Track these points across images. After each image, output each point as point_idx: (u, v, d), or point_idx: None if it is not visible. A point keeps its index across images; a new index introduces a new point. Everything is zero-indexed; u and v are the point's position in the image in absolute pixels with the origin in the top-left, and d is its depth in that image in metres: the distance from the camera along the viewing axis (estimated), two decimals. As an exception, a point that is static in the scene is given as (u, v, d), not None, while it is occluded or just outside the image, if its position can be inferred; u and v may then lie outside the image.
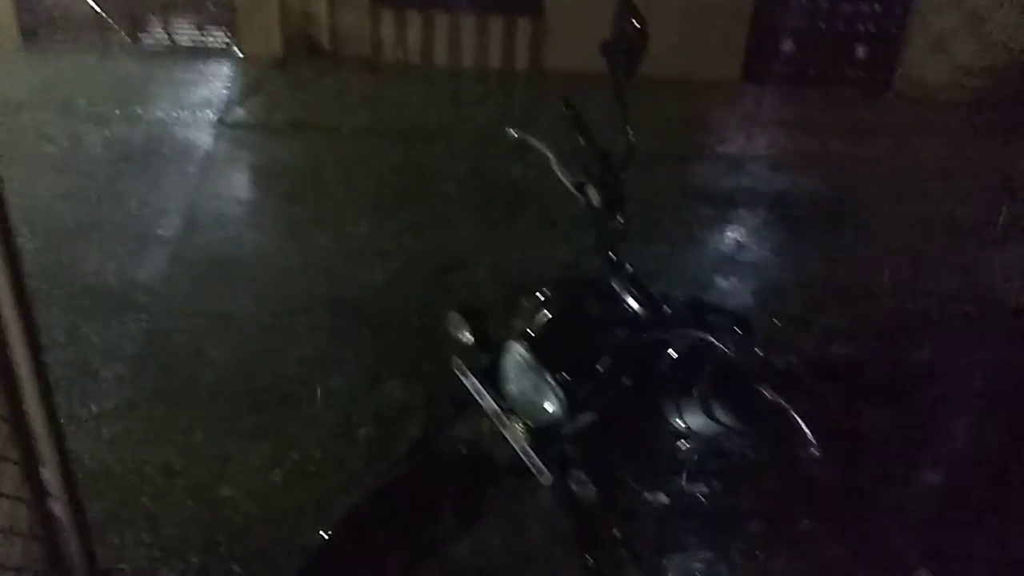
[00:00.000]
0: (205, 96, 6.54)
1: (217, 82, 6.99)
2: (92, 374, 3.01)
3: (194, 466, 2.59)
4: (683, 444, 1.60)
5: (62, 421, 1.80)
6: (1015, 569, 2.03)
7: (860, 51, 7.44)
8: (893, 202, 4.92)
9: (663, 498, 1.69)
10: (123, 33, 8.11)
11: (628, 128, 1.51)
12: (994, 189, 5.05)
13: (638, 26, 1.45)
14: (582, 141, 1.57)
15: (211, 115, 6.03)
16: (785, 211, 4.80)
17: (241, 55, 7.77)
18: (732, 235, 4.45)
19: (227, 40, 8.03)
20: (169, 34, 8.24)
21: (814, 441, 1.28)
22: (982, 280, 3.82)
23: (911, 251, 4.25)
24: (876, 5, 7.28)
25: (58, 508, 1.86)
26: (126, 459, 2.60)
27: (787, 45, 7.51)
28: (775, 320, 1.38)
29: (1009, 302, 2.74)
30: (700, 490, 1.70)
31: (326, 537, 1.56)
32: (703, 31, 7.20)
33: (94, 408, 2.84)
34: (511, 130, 1.68)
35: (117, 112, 5.96)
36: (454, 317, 1.62)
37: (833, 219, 4.72)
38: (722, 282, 3.89)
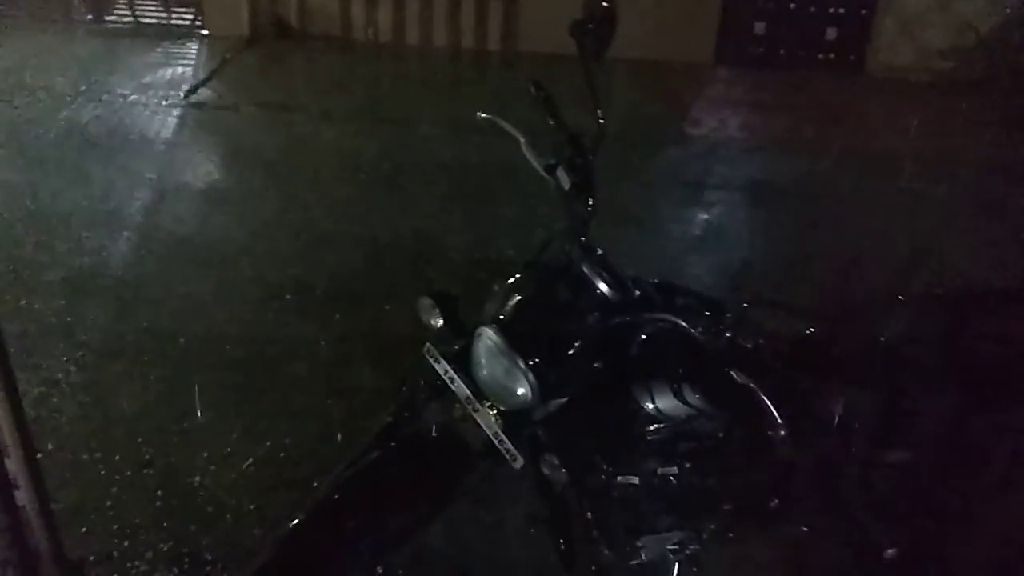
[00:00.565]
0: (170, 76, 6.40)
1: (182, 62, 6.85)
2: (56, 361, 2.96)
3: (164, 455, 2.55)
4: (654, 426, 1.61)
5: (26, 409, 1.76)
6: (985, 546, 2.08)
7: (831, 33, 7.47)
8: (865, 182, 4.97)
9: (635, 480, 1.70)
10: (87, 12, 7.91)
11: (598, 110, 1.51)
12: (963, 168, 5.12)
13: (607, 7, 1.43)
14: (552, 124, 1.56)
15: (176, 95, 5.91)
16: (758, 192, 4.83)
17: (207, 34, 7.62)
18: (704, 216, 4.47)
19: (193, 19, 7.86)
20: (134, 13, 8.05)
21: (781, 421, 1.30)
22: (952, 259, 3.90)
23: (882, 231, 4.30)
24: (846, -13, 7.32)
25: (23, 498, 1.83)
26: (93, 447, 2.56)
27: (759, 27, 7.52)
28: (744, 303, 1.38)
29: (978, 281, 2.78)
30: (671, 472, 1.71)
31: (296, 524, 1.55)
32: (676, 13, 7.18)
33: (57, 398, 2.79)
34: (481, 113, 1.66)
35: (79, 92, 5.81)
36: (425, 302, 1.61)
37: (805, 200, 4.76)
38: (694, 263, 3.93)
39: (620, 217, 4.17)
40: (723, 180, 4.97)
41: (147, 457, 2.55)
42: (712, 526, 1.86)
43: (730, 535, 1.89)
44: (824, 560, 2.12)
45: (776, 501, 1.84)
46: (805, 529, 2.01)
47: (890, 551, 1.83)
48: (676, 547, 1.84)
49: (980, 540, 1.97)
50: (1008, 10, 7.00)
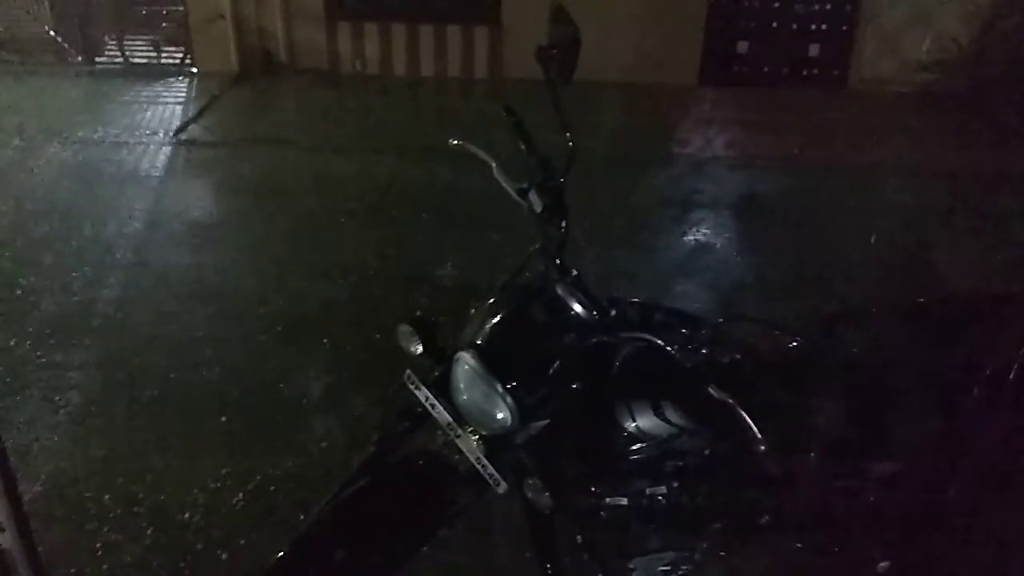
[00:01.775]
0: (160, 114, 6.46)
1: (172, 100, 6.91)
2: (48, 400, 2.95)
3: (153, 492, 2.54)
4: (638, 446, 1.60)
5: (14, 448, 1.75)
6: (975, 558, 2.06)
7: (813, 49, 7.55)
8: (849, 197, 5.00)
9: (624, 501, 1.69)
10: (77, 54, 7.99)
11: (567, 133, 1.52)
12: (947, 181, 5.16)
13: (571, 32, 1.45)
14: (524, 148, 1.58)
15: (166, 133, 5.95)
16: (745, 209, 4.86)
17: (197, 72, 7.69)
18: (690, 235, 4.49)
19: (183, 58, 7.94)
20: (124, 53, 8.13)
21: (760, 436, 1.29)
22: (937, 272, 3.91)
23: (866, 245, 4.32)
24: (827, 3, 7.41)
25: (7, 541, 1.81)
26: (80, 487, 2.55)
27: (742, 47, 7.60)
28: (719, 319, 1.39)
29: (962, 293, 2.79)
30: (660, 491, 1.70)
31: (281, 556, 1.54)
32: (659, 37, 7.26)
33: (49, 435, 2.78)
34: (453, 140, 1.68)
35: (71, 133, 5.85)
36: (404, 329, 1.61)
37: (790, 216, 4.78)
38: (678, 281, 3.94)
39: (611, 236, 4.19)
40: (711, 198, 5.00)
41: (138, 495, 2.54)
42: (704, 545, 1.84)
43: (722, 553, 1.87)
44: (817, 574, 2.10)
45: (767, 517, 1.83)
46: (798, 545, 2.00)
47: (883, 564, 1.82)
48: (668, 568, 1.82)
49: (972, 551, 1.95)
50: (987, 22, 7.09)
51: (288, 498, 2.50)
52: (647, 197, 5.01)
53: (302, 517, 2.15)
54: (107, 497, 2.51)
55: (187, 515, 2.43)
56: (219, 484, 2.56)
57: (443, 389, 1.55)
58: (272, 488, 2.53)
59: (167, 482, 2.58)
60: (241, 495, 2.51)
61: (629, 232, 4.44)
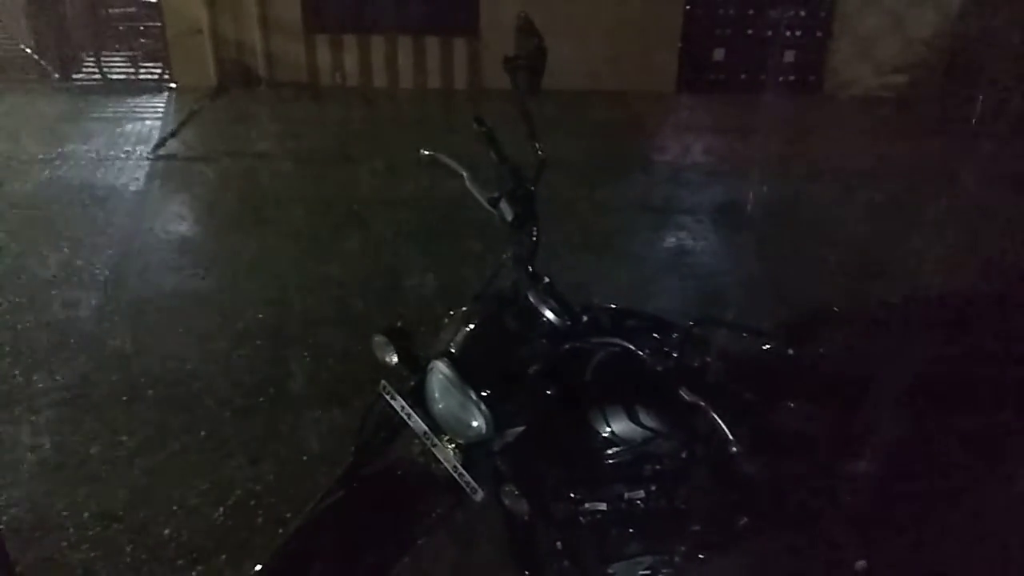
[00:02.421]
0: (139, 130, 6.44)
1: (151, 115, 6.90)
2: (26, 418, 2.92)
3: (133, 509, 2.52)
4: (613, 451, 1.61)
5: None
6: (952, 557, 2.09)
7: (789, 56, 7.65)
8: (824, 200, 5.06)
9: (602, 506, 1.70)
10: (54, 71, 7.96)
11: (536, 143, 1.53)
12: (920, 182, 5.23)
13: (537, 42, 1.47)
14: (494, 157, 1.59)
15: (145, 148, 5.93)
16: (721, 213, 4.90)
17: (175, 87, 7.68)
18: (667, 240, 4.52)
19: (161, 73, 7.93)
20: (101, 70, 8.11)
21: (732, 437, 1.30)
22: (911, 273, 3.97)
23: (840, 247, 4.38)
24: (800, 10, 7.50)
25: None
26: (59, 505, 2.52)
27: (718, 54, 7.69)
28: (690, 323, 1.41)
29: (930, 291, 2.82)
30: (638, 496, 1.71)
31: (259, 570, 1.53)
32: (637, 45, 7.34)
33: (28, 455, 2.75)
34: (424, 150, 1.69)
35: (47, 150, 5.82)
36: (379, 340, 1.62)
37: (766, 220, 4.83)
38: (653, 286, 3.97)
39: (590, 242, 4.22)
40: (688, 203, 5.04)
41: (118, 512, 2.52)
42: (683, 548, 1.85)
43: (701, 556, 1.88)
44: (797, 574, 2.11)
45: (744, 519, 1.85)
46: (778, 546, 2.01)
47: (860, 563, 1.84)
48: (648, 571, 1.83)
49: (949, 548, 1.97)
50: (958, 27, 7.20)
51: (267, 511, 2.49)
52: (626, 201, 5.05)
53: (281, 530, 2.14)
54: (86, 515, 2.49)
55: (167, 531, 2.42)
56: (199, 499, 2.54)
57: (419, 398, 1.56)
58: (252, 502, 2.52)
59: (147, 498, 2.56)
60: (221, 510, 2.50)
61: (607, 235, 4.47)
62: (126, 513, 2.49)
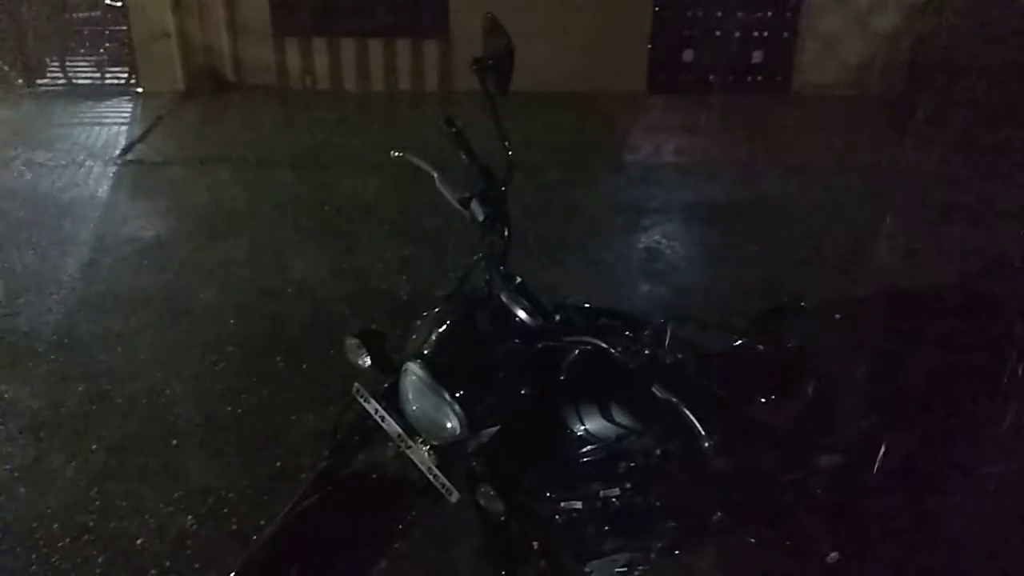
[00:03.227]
0: (105, 135, 6.35)
1: (118, 120, 6.81)
2: (-10, 432, 2.88)
3: (104, 520, 2.48)
4: (588, 449, 1.62)
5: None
6: (922, 547, 2.12)
7: (756, 56, 7.74)
8: (793, 198, 5.12)
9: (578, 505, 1.70)
10: (17, 76, 7.82)
11: (506, 143, 1.54)
12: (885, 180, 5.32)
13: (505, 44, 1.47)
14: (465, 158, 1.59)
15: (111, 154, 5.85)
16: (692, 211, 4.95)
17: (142, 92, 7.58)
18: (640, 239, 4.56)
19: (127, 78, 7.82)
20: (67, 75, 7.98)
21: (705, 433, 1.32)
22: (877, 269, 4.04)
23: (811, 244, 4.44)
24: (768, 11, 7.59)
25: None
26: (28, 517, 2.48)
27: (687, 55, 7.75)
28: (662, 320, 1.42)
29: (897, 287, 2.87)
30: (613, 493, 1.72)
31: (233, 577, 1.52)
32: (607, 46, 7.38)
33: (-6, 467, 2.71)
34: (394, 151, 1.69)
35: (12, 156, 5.72)
36: (351, 343, 1.61)
37: (735, 217, 4.88)
38: (627, 285, 4.00)
39: (564, 243, 4.24)
40: (660, 201, 5.08)
41: (89, 524, 2.48)
42: (659, 544, 1.86)
43: (677, 552, 1.90)
44: (770, 569, 2.14)
45: (719, 514, 1.86)
46: (750, 540, 2.04)
47: (832, 555, 1.87)
48: (624, 569, 1.84)
49: (917, 538, 2.01)
50: (923, 27, 7.34)
51: (241, 518, 2.46)
52: (597, 200, 5.08)
53: (255, 536, 2.12)
54: (56, 526, 2.45)
55: (139, 541, 2.39)
56: (171, 508, 2.51)
57: (392, 401, 1.55)
58: (225, 510, 2.50)
59: (117, 508, 2.52)
60: (193, 518, 2.47)
61: (582, 234, 4.49)
62: (96, 524, 2.46)
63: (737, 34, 7.66)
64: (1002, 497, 2.36)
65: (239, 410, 2.99)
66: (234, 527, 2.44)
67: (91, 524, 2.48)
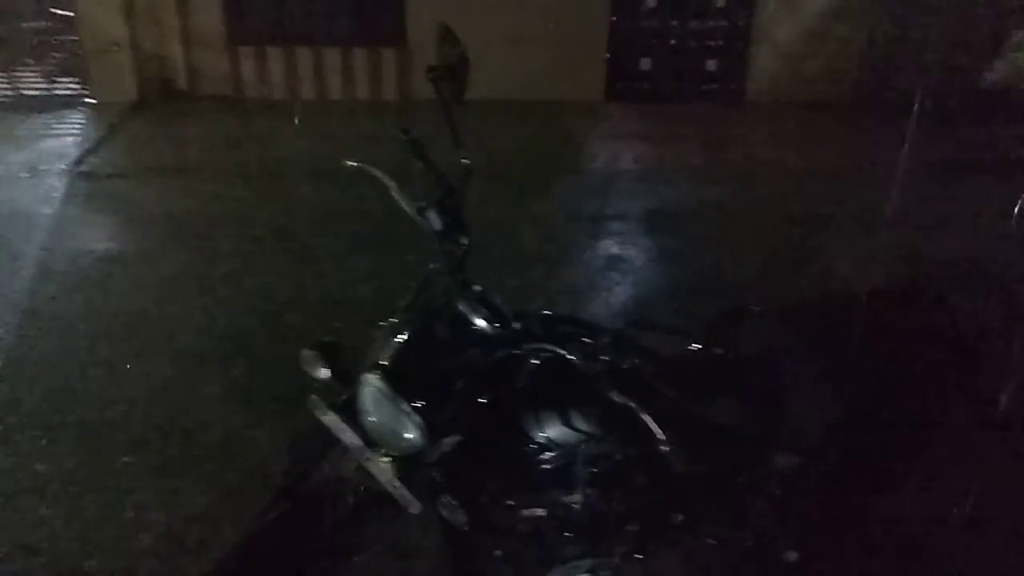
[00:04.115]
0: (56, 147, 6.21)
1: (69, 132, 6.66)
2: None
3: (54, 539, 2.41)
4: (549, 456, 1.62)
5: None
6: (878, 545, 2.17)
7: (711, 65, 7.86)
8: (749, 203, 5.21)
9: (541, 512, 1.70)
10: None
11: (461, 151, 1.54)
12: (839, 183, 5.44)
13: (460, 52, 1.47)
14: (421, 167, 1.59)
15: (62, 166, 5.72)
16: (650, 217, 5.00)
17: (94, 102, 7.43)
18: (596, 246, 4.59)
19: (79, 88, 7.66)
20: (15, 86, 7.79)
21: (662, 437, 1.33)
22: (833, 272, 4.12)
23: (767, 249, 4.51)
24: (722, 20, 7.72)
25: None
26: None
27: (645, 64, 7.85)
28: (619, 326, 1.43)
29: (856, 292, 2.93)
30: (574, 499, 1.72)
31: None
32: (566, 55, 7.42)
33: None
34: (348, 161, 1.68)
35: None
36: (307, 354, 1.59)
37: (694, 224, 4.95)
38: (585, 292, 4.03)
39: (523, 251, 4.25)
40: (616, 208, 5.13)
41: (38, 545, 2.41)
42: (621, 549, 1.87)
43: (639, 556, 1.91)
44: (732, 569, 2.16)
45: (679, 516, 1.88)
46: (712, 541, 2.05)
47: (791, 554, 1.89)
48: (588, 574, 1.84)
49: (874, 536, 2.05)
50: (873, 35, 7.53)
51: (199, 535, 2.41)
52: (555, 208, 5.12)
53: (213, 555, 2.08)
54: (1, 549, 2.37)
55: (90, 562, 2.32)
56: (124, 527, 2.45)
57: (351, 413, 1.54)
58: (181, 527, 2.44)
59: (68, 529, 2.45)
60: (148, 536, 2.41)
61: (539, 241, 4.51)
62: (48, 546, 2.39)
63: (692, 43, 7.78)
64: (956, 495, 2.43)
65: (194, 425, 2.93)
66: (190, 544, 2.38)
67: (40, 545, 2.40)
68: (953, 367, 1.96)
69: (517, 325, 1.52)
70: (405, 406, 1.43)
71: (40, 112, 7.18)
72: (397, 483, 1.50)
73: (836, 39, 7.57)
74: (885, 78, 7.36)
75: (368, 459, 1.51)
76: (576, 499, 1.70)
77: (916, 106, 5.82)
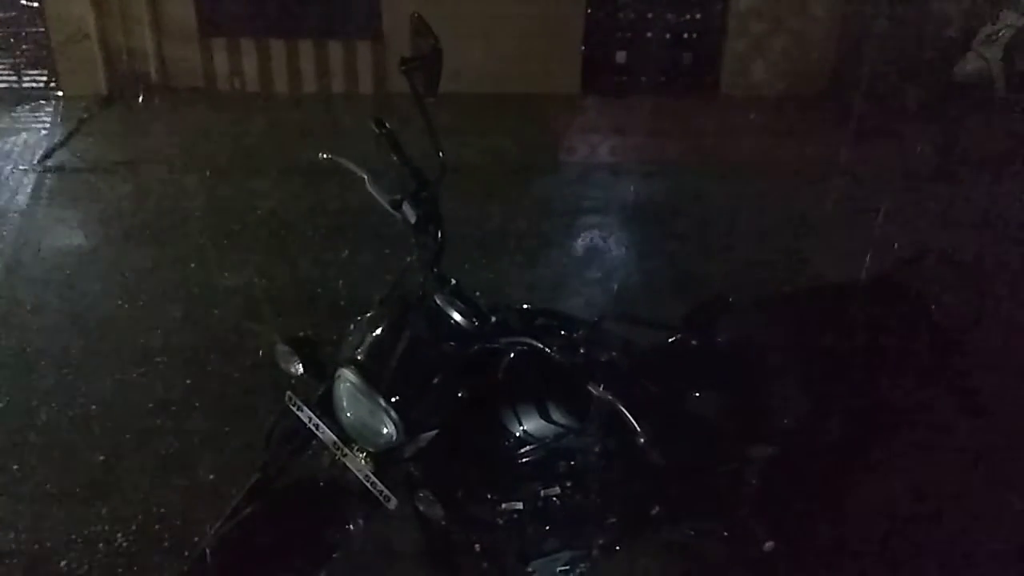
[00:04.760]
0: (23, 141, 6.09)
1: (37, 125, 6.53)
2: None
3: (28, 540, 2.37)
4: (527, 449, 1.62)
5: None
6: (856, 536, 2.19)
7: (686, 58, 7.88)
8: (725, 196, 5.23)
9: (519, 506, 1.70)
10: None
11: (437, 144, 1.53)
12: (809, 178, 5.48)
13: (433, 44, 1.46)
14: (396, 160, 1.57)
15: (30, 160, 5.61)
16: (625, 213, 5.01)
17: (63, 95, 7.29)
18: (577, 239, 4.59)
19: (47, 81, 7.51)
20: (-20, 79, 7.63)
21: (639, 428, 1.33)
22: (809, 264, 4.16)
23: (743, 241, 4.54)
24: (697, 14, 7.74)
25: None
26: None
27: (620, 57, 7.85)
28: (596, 319, 1.43)
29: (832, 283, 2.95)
30: (552, 492, 1.72)
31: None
32: (542, 48, 7.40)
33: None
34: (323, 153, 1.66)
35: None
36: (282, 349, 1.58)
37: (671, 217, 4.96)
38: (562, 285, 4.03)
39: (500, 244, 4.23)
40: (592, 201, 5.14)
41: (11, 546, 2.36)
42: (600, 541, 1.88)
43: (618, 547, 1.91)
44: (710, 559, 2.17)
45: (657, 508, 1.88)
46: (690, 532, 2.07)
47: (768, 543, 1.91)
48: (567, 567, 1.84)
49: (850, 525, 2.07)
50: (846, 29, 7.59)
51: (173, 534, 2.38)
52: (532, 201, 5.11)
53: (187, 552, 2.06)
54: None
55: (65, 562, 2.29)
56: (98, 527, 2.41)
57: (327, 408, 1.53)
58: (156, 526, 2.41)
59: (42, 529, 2.41)
60: (122, 536, 2.38)
61: (514, 235, 4.51)
62: (21, 547, 2.35)
63: (668, 36, 7.78)
64: (931, 483, 2.47)
65: (167, 422, 2.90)
66: (166, 544, 2.36)
67: (13, 547, 2.36)
68: (928, 357, 1.98)
69: (494, 318, 1.51)
70: (381, 401, 1.41)
71: (8, 105, 7.04)
72: (374, 478, 1.49)
73: (810, 33, 7.62)
74: (858, 72, 7.42)
75: (344, 455, 1.50)
76: (554, 492, 1.71)
77: (888, 99, 5.89)
